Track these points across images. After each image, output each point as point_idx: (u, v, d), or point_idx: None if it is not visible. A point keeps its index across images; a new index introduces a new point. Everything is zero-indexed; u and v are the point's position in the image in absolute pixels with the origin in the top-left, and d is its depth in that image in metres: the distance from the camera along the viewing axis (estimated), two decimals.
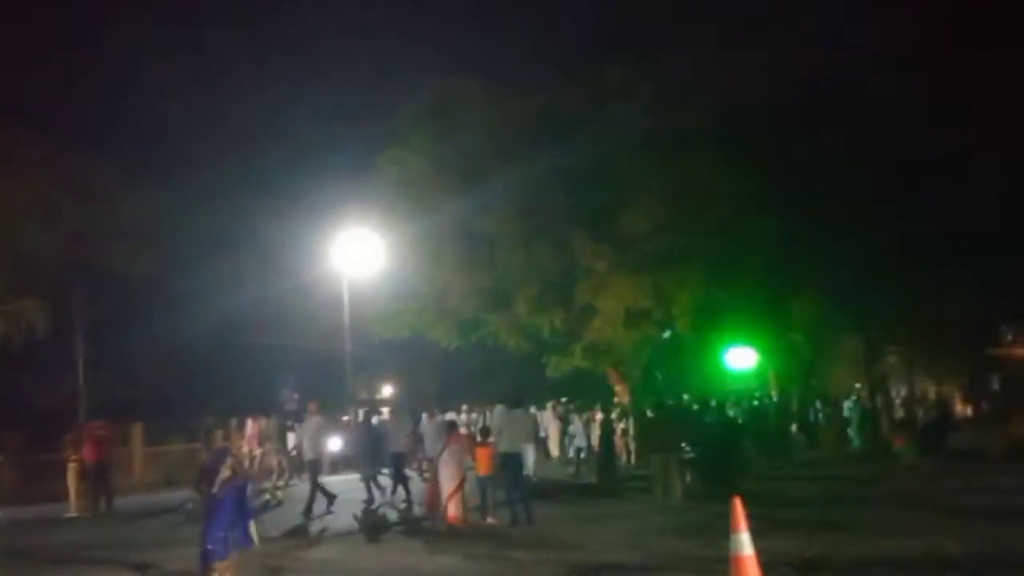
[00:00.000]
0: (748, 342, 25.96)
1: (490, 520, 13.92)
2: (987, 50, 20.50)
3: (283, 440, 19.66)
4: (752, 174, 19.71)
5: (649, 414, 18.80)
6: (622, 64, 20.74)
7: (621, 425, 22.58)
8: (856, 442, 25.73)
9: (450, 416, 20.83)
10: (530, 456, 17.86)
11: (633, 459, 22.11)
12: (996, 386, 43.62)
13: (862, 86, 21.67)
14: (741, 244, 20.43)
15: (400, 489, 16.55)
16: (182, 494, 17.80)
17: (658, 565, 9.85)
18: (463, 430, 18.30)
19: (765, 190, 19.93)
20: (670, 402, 19.73)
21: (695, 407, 20.29)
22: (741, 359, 26.56)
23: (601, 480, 19.19)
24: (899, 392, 35.73)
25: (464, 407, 22.79)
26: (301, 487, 19.00)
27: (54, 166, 18.12)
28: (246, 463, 16.85)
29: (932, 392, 34.92)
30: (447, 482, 13.64)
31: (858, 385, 35.29)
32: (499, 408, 14.63)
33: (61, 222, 18.50)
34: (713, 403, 21.48)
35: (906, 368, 36.16)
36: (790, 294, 24.04)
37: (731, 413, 22.58)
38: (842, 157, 21.28)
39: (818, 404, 28.83)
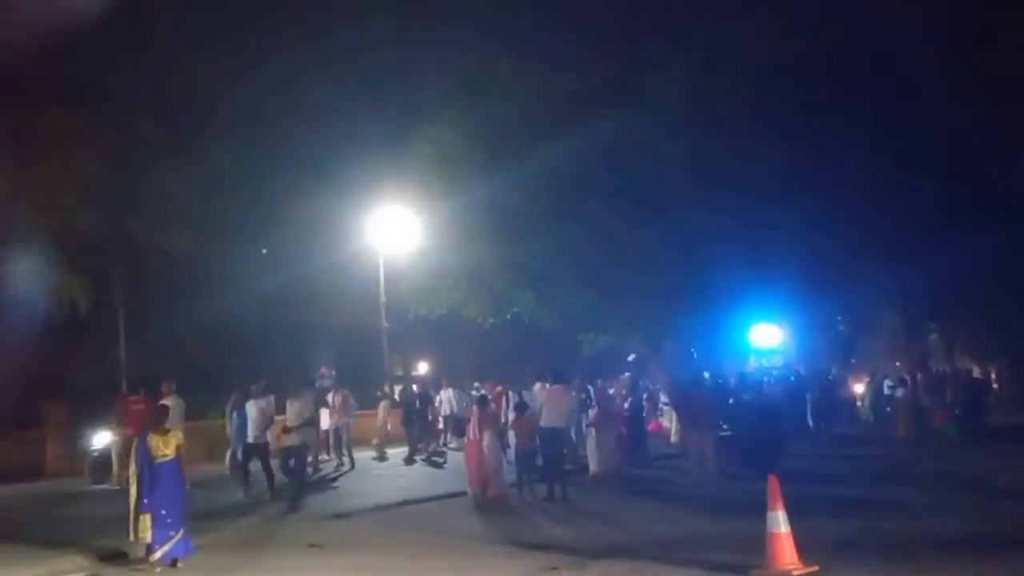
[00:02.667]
0: (785, 319, 25.69)
1: (526, 496, 13.97)
2: None
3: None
4: (786, 148, 19.39)
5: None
6: (657, 36, 20.44)
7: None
8: (872, 421, 25.48)
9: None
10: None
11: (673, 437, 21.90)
12: None
13: (897, 52, 21.13)
14: (776, 220, 20.11)
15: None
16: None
17: (694, 542, 9.83)
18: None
19: (799, 164, 19.60)
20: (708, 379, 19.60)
21: (719, 383, 20.09)
22: (771, 336, 26.30)
23: (634, 458, 19.10)
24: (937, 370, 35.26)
25: (476, 384, 22.88)
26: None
27: (90, 141, 18.19)
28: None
29: (965, 371, 34.30)
30: (490, 462, 13.72)
31: (899, 363, 34.84)
32: (538, 385, 14.59)
33: (98, 197, 18.59)
34: (750, 380, 21.31)
35: (947, 346, 35.64)
36: (827, 269, 23.67)
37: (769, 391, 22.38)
38: (876, 127, 20.84)
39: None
